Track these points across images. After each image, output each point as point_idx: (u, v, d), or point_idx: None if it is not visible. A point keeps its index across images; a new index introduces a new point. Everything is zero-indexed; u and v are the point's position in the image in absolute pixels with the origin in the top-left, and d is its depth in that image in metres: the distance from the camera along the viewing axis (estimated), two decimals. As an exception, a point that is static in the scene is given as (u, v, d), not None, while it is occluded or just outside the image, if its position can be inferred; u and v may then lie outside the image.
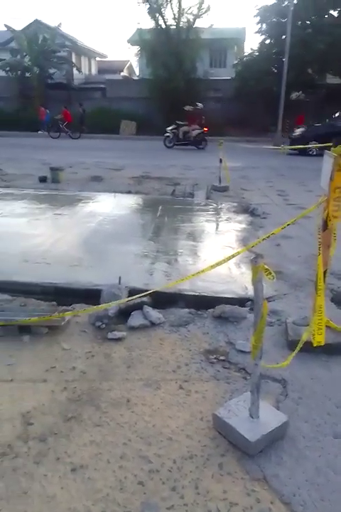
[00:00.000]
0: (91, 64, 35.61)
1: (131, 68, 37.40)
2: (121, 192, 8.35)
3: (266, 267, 1.82)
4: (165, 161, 13.37)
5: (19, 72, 25.27)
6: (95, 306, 2.86)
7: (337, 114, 16.51)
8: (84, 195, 7.96)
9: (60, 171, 9.25)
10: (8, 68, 25.25)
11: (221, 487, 1.81)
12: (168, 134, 17.58)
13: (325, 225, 2.80)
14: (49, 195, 7.92)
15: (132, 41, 27.38)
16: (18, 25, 26.41)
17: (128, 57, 43.50)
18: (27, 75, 25.30)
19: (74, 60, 28.98)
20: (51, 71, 25.82)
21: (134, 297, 2.86)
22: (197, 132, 17.16)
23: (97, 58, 37.16)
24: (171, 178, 10.01)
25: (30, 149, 16.02)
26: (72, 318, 3.11)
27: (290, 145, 15.68)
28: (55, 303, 3.44)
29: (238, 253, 2.76)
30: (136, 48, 26.90)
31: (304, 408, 2.33)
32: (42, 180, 9.12)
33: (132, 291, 3.44)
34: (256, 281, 1.89)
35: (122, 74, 34.56)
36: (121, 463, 1.89)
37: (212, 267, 2.55)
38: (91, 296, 3.53)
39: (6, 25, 25.54)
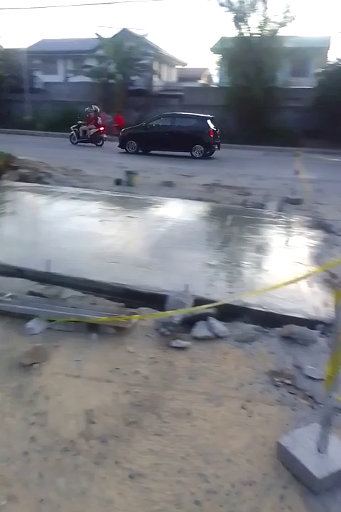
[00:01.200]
0: (172, 71, 36.37)
1: (209, 76, 37.56)
2: (192, 199, 8.37)
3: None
4: (236, 169, 13.19)
5: (103, 78, 26.58)
6: (161, 313, 2.87)
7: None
8: (155, 199, 8.10)
9: (134, 175, 9.52)
10: (93, 74, 26.68)
11: (281, 521, 1.70)
12: (71, 132, 19.44)
13: None
14: (122, 198, 8.18)
15: (215, 50, 27.45)
16: (109, 34, 27.75)
17: (207, 65, 43.72)
18: (110, 81, 26.52)
19: (155, 68, 29.81)
20: (133, 78, 26.81)
21: (201, 307, 2.82)
22: (94, 131, 18.93)
23: (177, 66, 37.87)
24: (242, 188, 9.84)
25: (110, 153, 16.73)
26: (138, 322, 3.15)
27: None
28: (123, 304, 3.52)
29: (315, 272, 2.61)
30: (217, 56, 26.95)
31: None
32: (118, 182, 9.45)
33: (198, 300, 3.41)
34: (339, 307, 1.76)
35: (200, 82, 34.83)
36: (179, 477, 1.86)
37: (286, 283, 2.44)
38: (157, 300, 3.55)
39: (96, 33, 27.04)
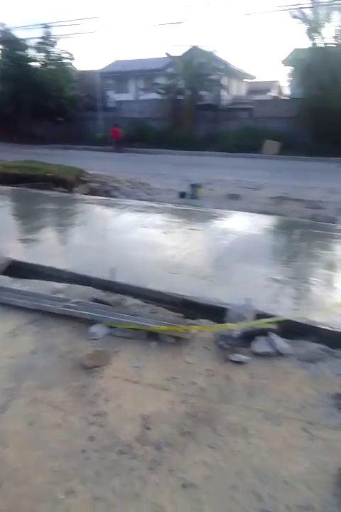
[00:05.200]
0: (240, 85, 36.26)
1: (279, 88, 36.90)
2: (257, 212, 8.22)
3: None
4: (307, 182, 12.72)
5: (172, 94, 27.32)
6: (221, 325, 2.84)
7: None
8: (220, 212, 8.07)
9: (199, 188, 9.59)
10: (162, 91, 27.53)
11: None
12: None
13: None
14: (186, 210, 8.26)
15: (287, 61, 27.00)
16: (180, 52, 28.60)
17: (276, 77, 43.07)
18: (179, 97, 27.17)
19: (224, 82, 29.94)
20: (202, 93, 27.20)
21: (262, 321, 2.75)
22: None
23: (246, 79, 37.69)
24: (312, 201, 9.46)
25: (176, 166, 17.05)
26: (197, 333, 3.15)
27: None
28: (182, 315, 3.54)
29: None
30: (289, 68, 26.52)
31: None
32: (182, 195, 9.58)
33: (260, 316, 3.32)
34: None
35: (270, 94, 34.35)
36: (232, 493, 1.81)
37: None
38: (216, 313, 3.52)
39: (166, 53, 27.99)
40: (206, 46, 27.75)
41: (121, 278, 4.18)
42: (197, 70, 26.46)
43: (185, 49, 28.52)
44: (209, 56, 27.15)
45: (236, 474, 1.91)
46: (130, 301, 3.69)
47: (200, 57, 26.93)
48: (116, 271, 4.13)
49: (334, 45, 21.95)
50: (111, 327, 3.09)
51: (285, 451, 2.07)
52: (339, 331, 3.33)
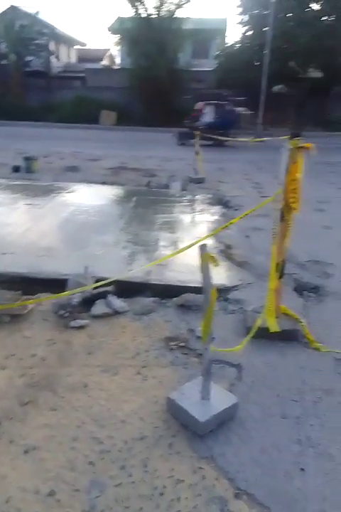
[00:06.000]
0: (71, 52, 34.97)
1: (111, 57, 36.92)
2: (96, 182, 8.33)
3: (211, 254, 1.91)
4: (143, 152, 13.35)
5: (-5, 59, 24.67)
6: (57, 294, 2.89)
7: None
8: (58, 185, 7.91)
9: (34, 161, 9.14)
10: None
11: (169, 466, 1.90)
12: None
13: (282, 216, 2.92)
14: (21, 185, 7.83)
15: (113, 29, 26.95)
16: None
17: (108, 46, 42.90)
18: (3, 62, 24.66)
19: (52, 48, 28.39)
20: (29, 59, 25.24)
21: (97, 284, 2.90)
22: None
23: (76, 46, 36.51)
24: (148, 170, 10.02)
25: (8, 138, 15.73)
26: (36, 307, 3.14)
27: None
28: (20, 292, 3.46)
29: (198, 242, 2.84)
30: (117, 37, 26.59)
31: (256, 392, 2.44)
32: (16, 169, 8.99)
33: (98, 280, 3.48)
34: (203, 269, 1.98)
35: (102, 63, 34.11)
36: (73, 444, 1.96)
37: (165, 258, 2.62)
38: (57, 285, 3.54)
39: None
40: (26, 7, 25.77)
41: None
42: (20, 33, 24.40)
43: (2, 8, 25.90)
44: (32, 18, 25.33)
45: (77, 427, 2.06)
46: None
47: (21, 19, 24.88)
48: None
49: (157, 16, 22.90)
50: None
51: (121, 395, 2.31)
52: (167, 283, 3.75)
